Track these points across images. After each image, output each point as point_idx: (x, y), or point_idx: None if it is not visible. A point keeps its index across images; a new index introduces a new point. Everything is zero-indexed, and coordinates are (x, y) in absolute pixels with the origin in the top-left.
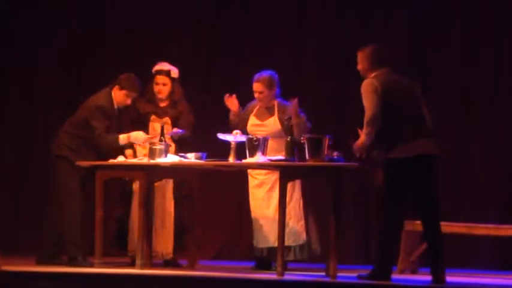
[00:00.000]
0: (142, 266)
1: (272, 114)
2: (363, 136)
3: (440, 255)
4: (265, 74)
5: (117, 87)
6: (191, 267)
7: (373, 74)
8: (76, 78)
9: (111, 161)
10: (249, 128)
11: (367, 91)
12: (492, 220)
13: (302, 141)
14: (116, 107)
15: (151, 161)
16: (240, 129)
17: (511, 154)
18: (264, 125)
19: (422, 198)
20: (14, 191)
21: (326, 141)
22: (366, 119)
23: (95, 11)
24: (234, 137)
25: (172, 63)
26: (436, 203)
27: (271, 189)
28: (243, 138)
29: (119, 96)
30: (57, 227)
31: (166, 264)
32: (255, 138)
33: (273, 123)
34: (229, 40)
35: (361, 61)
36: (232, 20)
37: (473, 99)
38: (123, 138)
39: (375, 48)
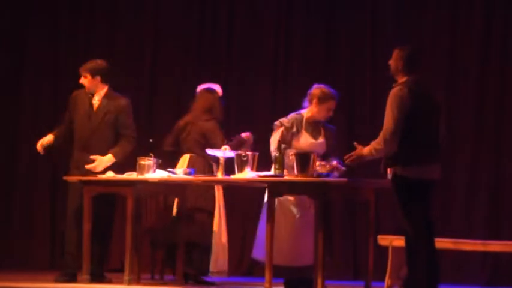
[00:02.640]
0: (130, 282)
1: (320, 133)
2: (371, 149)
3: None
4: (335, 92)
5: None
6: (179, 283)
7: (404, 79)
8: (60, 83)
9: (99, 176)
10: (305, 146)
11: (394, 105)
12: (479, 235)
13: (291, 157)
14: (89, 95)
15: (140, 177)
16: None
17: (497, 168)
18: (317, 144)
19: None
20: (2, 199)
21: (313, 157)
22: (383, 135)
23: (83, 20)
24: (222, 153)
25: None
26: (432, 227)
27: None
28: (231, 154)
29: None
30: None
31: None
32: (243, 154)
33: (322, 144)
34: (216, 48)
35: (397, 59)
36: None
37: (458, 113)
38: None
39: (414, 51)
